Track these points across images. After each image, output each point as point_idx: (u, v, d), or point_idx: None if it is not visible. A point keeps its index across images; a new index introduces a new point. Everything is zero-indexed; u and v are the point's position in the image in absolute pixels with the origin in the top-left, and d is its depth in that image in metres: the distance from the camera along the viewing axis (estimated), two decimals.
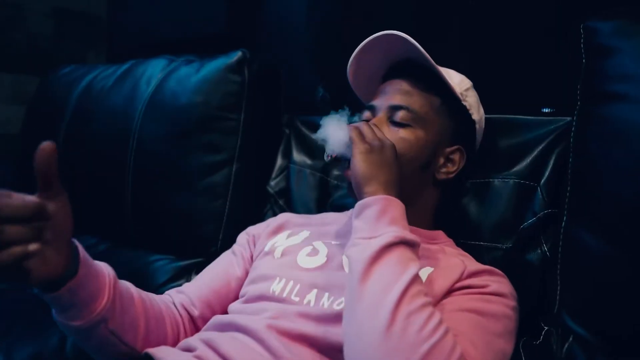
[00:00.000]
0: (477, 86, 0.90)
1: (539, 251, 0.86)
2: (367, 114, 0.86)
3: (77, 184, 1.38)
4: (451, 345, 0.55)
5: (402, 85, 0.84)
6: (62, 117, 1.43)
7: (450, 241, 0.87)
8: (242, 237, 0.94)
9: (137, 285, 0.78)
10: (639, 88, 0.73)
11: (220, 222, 1.18)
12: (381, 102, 0.84)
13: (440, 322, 0.57)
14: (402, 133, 0.80)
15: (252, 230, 0.95)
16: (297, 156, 1.23)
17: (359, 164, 0.69)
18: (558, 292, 0.78)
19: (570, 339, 0.75)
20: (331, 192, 1.17)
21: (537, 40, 1.02)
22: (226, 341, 0.69)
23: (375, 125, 0.76)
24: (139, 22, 1.81)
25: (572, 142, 0.82)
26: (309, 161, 1.22)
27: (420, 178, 0.83)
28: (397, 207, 0.67)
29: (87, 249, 0.60)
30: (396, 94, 0.84)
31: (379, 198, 0.67)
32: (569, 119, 0.89)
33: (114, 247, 1.32)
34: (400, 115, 0.81)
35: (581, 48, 0.81)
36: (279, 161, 1.27)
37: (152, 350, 0.71)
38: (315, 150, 1.22)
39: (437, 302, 0.68)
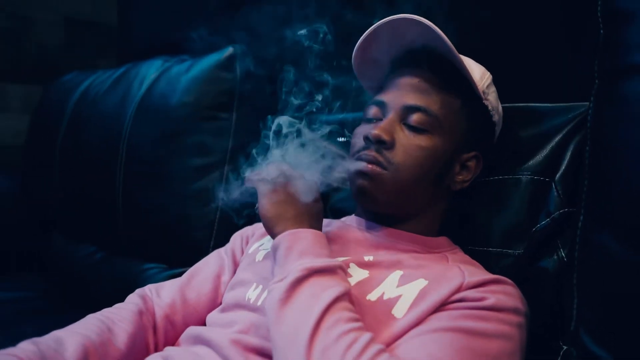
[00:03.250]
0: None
1: (555, 257, 0.75)
2: (374, 110, 0.76)
3: (74, 191, 1.36)
4: None
5: (418, 80, 0.73)
6: (59, 126, 1.41)
7: (457, 248, 0.77)
8: (237, 238, 0.89)
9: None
10: None
11: (211, 228, 1.13)
12: (393, 100, 0.74)
13: (366, 345, 0.52)
14: (418, 140, 0.71)
15: (247, 230, 0.90)
16: None
17: (265, 207, 0.69)
18: (575, 307, 0.66)
19: None
20: (330, 194, 1.08)
21: (548, 13, 0.90)
22: (184, 358, 0.66)
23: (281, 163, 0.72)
24: (150, 28, 1.79)
25: (589, 128, 0.71)
26: None
27: (433, 189, 0.74)
28: (305, 237, 0.64)
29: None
30: (411, 91, 0.73)
31: (285, 235, 0.65)
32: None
33: (108, 256, 1.29)
34: (415, 118, 0.71)
35: (598, 16, 0.70)
36: None
37: None
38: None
39: (425, 318, 0.59)
